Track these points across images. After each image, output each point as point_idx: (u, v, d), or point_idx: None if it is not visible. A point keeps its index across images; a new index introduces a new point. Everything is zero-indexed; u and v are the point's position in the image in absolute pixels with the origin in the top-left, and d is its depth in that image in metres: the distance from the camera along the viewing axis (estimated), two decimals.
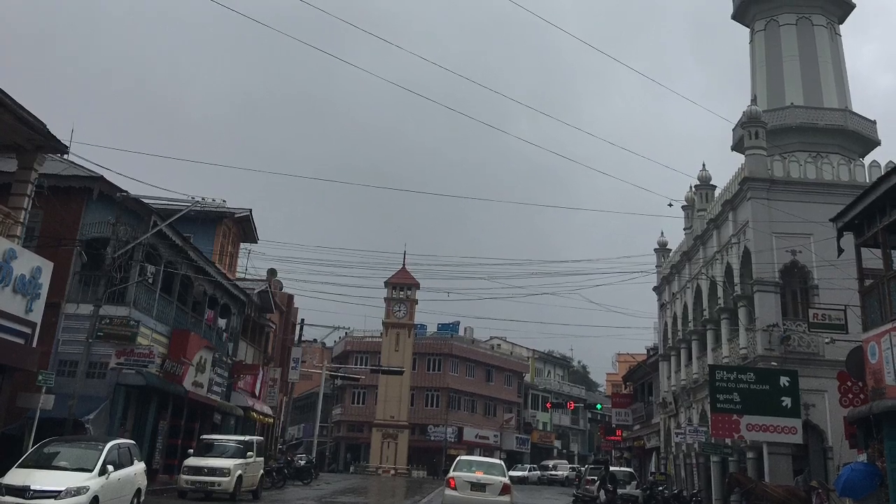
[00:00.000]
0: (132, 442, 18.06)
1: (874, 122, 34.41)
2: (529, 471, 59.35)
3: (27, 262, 17.24)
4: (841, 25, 37.00)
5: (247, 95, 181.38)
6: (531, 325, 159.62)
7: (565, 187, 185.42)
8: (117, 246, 22.50)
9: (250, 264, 40.77)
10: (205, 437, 25.49)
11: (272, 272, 41.85)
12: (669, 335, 40.83)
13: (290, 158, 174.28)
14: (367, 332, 71.52)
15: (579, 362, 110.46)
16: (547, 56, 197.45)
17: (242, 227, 38.22)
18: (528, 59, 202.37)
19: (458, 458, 22.66)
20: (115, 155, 28.09)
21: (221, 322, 34.20)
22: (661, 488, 30.91)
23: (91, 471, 14.28)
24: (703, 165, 37.87)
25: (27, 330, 17.45)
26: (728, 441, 26.32)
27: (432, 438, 65.73)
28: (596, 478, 32.11)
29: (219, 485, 21.40)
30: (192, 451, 23.78)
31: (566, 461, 69.86)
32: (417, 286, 63.81)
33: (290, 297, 48.22)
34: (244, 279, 38.38)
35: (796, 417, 22.87)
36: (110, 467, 14.73)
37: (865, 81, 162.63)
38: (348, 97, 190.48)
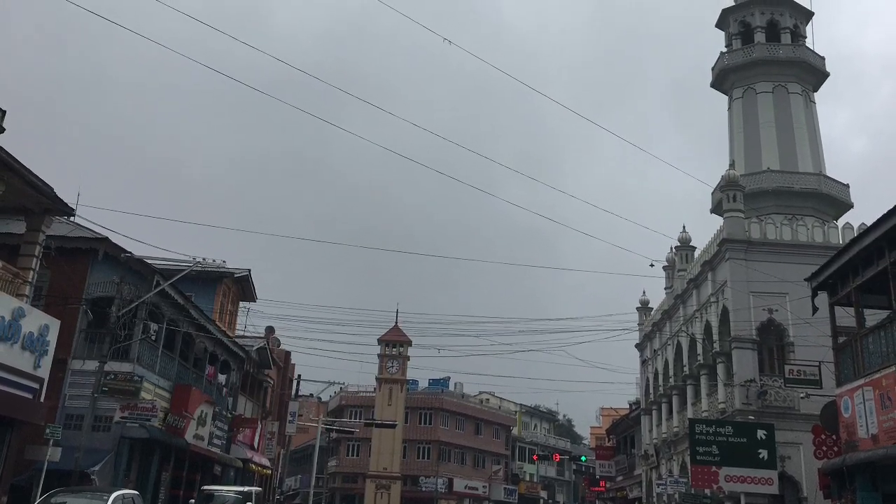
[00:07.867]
0: (136, 492, 18.52)
1: (847, 186, 34.73)
2: None
3: (35, 321, 17.40)
4: (815, 93, 37.63)
5: (245, 158, 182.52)
6: (518, 381, 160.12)
7: (552, 247, 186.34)
8: (121, 304, 23.23)
9: (249, 322, 41.36)
10: (205, 487, 25.99)
11: (270, 329, 42.27)
12: (651, 390, 41.26)
13: (287, 218, 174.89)
14: (362, 387, 71.97)
15: (565, 416, 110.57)
16: (533, 121, 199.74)
17: (241, 287, 38.58)
18: (515, 124, 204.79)
19: None
20: (119, 217, 29.09)
21: (221, 377, 34.68)
22: None
23: None
24: (684, 227, 38.34)
25: (35, 385, 17.61)
26: (707, 492, 26.62)
27: (424, 489, 65.70)
28: None
29: None
30: (193, 501, 24.19)
31: None
32: (410, 343, 64.26)
33: (288, 353, 48.68)
34: (243, 336, 38.95)
35: (773, 469, 23.40)
36: None
37: (839, 146, 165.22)
38: (343, 160, 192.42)
